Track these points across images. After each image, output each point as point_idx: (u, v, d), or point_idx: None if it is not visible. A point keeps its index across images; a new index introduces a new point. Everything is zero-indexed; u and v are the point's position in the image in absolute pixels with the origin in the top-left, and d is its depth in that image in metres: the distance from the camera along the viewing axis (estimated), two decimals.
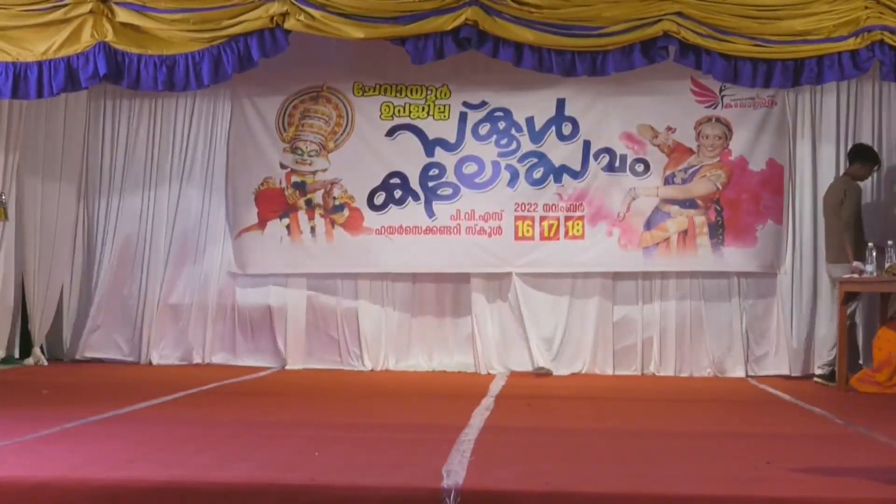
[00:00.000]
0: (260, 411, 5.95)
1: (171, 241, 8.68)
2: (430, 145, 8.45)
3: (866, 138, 8.11)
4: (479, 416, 5.57)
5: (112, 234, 8.74)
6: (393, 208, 8.45)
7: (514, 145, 8.41)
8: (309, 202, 8.52)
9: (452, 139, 8.44)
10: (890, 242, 7.25)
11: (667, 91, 8.24)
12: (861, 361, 7.70)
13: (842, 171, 8.01)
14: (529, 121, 8.40)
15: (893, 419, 5.96)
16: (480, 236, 8.37)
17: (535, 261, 8.35)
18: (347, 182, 8.49)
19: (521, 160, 8.39)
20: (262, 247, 8.54)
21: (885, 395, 7.02)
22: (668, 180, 8.32)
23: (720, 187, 8.29)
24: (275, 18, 6.88)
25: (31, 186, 8.49)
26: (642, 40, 6.80)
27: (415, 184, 8.43)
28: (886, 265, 7.16)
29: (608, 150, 8.34)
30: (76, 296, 8.75)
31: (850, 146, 8.05)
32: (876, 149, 7.98)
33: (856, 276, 7.28)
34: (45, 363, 8.40)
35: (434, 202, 8.41)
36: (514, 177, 8.37)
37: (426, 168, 8.44)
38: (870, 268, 7.21)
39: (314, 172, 8.54)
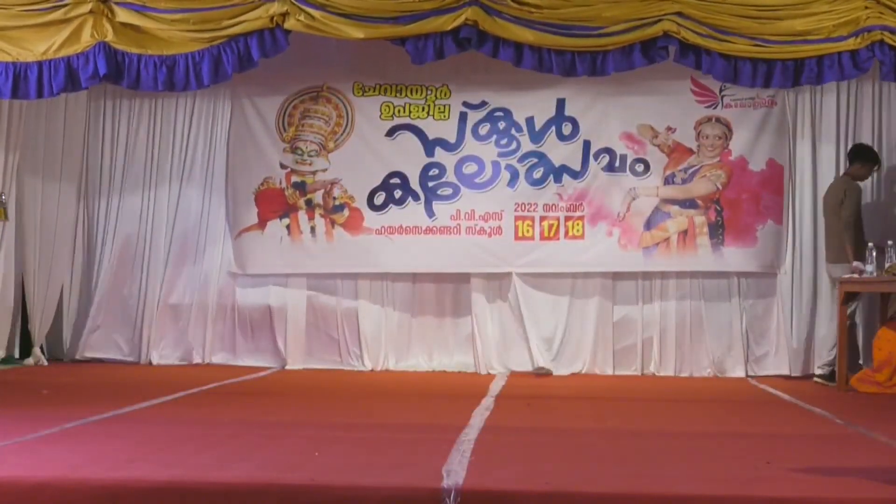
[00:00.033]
0: (260, 411, 5.95)
1: (171, 241, 8.68)
2: (430, 145, 8.45)
3: (866, 138, 8.12)
4: (479, 416, 5.57)
5: (112, 234, 8.74)
6: (393, 208, 8.45)
7: (514, 145, 8.42)
8: (309, 202, 8.52)
9: (452, 139, 8.44)
10: (890, 242, 7.25)
11: (667, 91, 8.24)
12: (861, 361, 7.70)
13: (842, 172, 8.02)
14: (529, 121, 8.40)
15: (893, 419, 5.96)
16: (480, 236, 8.37)
17: (535, 261, 8.35)
18: (347, 182, 8.49)
19: (521, 160, 8.39)
20: (262, 247, 8.54)
21: (885, 395, 7.02)
22: (668, 180, 8.32)
23: (720, 187, 8.29)
24: (275, 18, 6.88)
25: (31, 186, 8.49)
26: (642, 40, 6.80)
27: (415, 184, 8.43)
28: (886, 265, 7.16)
29: (608, 150, 8.34)
30: (76, 296, 8.75)
31: (850, 146, 8.05)
32: (876, 149, 7.98)
33: (856, 276, 7.28)
34: (45, 363, 8.40)
35: (434, 202, 8.41)
36: (514, 177, 8.37)
37: (426, 168, 8.44)
38: (870, 268, 7.22)
39: (314, 172, 8.54)
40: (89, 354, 8.62)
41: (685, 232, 8.28)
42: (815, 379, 7.77)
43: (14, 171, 8.20)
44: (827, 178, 8.17)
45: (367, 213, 8.45)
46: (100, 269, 8.71)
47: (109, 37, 6.93)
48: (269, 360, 8.52)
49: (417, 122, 8.45)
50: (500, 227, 8.35)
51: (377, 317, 8.52)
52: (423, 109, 8.46)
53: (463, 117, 8.43)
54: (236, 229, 8.59)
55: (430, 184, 8.43)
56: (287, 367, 8.42)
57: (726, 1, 6.75)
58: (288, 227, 8.52)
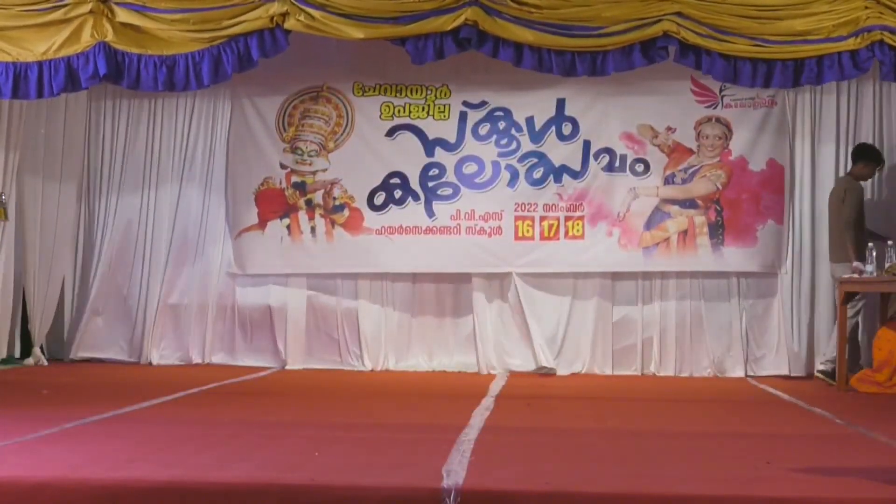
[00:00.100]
0: (260, 411, 5.94)
1: (171, 241, 8.67)
2: (430, 145, 8.45)
3: (866, 138, 8.12)
4: (479, 416, 5.57)
5: (112, 233, 8.74)
6: (393, 208, 8.45)
7: (514, 145, 8.41)
8: (309, 202, 8.52)
9: (452, 139, 8.44)
10: (890, 243, 7.26)
11: (667, 91, 8.24)
12: (861, 362, 7.70)
13: (843, 172, 8.03)
14: (529, 121, 8.40)
15: (893, 419, 5.96)
16: (480, 236, 8.37)
17: (535, 261, 8.35)
18: (347, 182, 8.49)
19: (521, 160, 8.39)
20: (263, 247, 8.54)
21: (885, 395, 7.02)
22: (668, 180, 8.32)
23: (720, 187, 8.29)
24: (275, 18, 6.88)
25: (31, 186, 8.49)
26: (642, 40, 6.80)
27: (415, 184, 8.43)
28: (886, 265, 7.17)
29: (608, 150, 8.34)
30: (76, 296, 8.76)
31: (850, 146, 8.07)
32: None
33: (856, 276, 7.29)
34: (45, 363, 8.40)
35: (434, 202, 8.41)
36: (514, 177, 8.37)
37: (426, 168, 8.44)
38: (870, 268, 7.22)
39: (314, 172, 8.54)
40: (89, 354, 8.62)
41: (685, 232, 8.28)
42: (817, 373, 7.78)
43: (14, 171, 8.19)
44: (827, 177, 8.18)
45: (367, 213, 8.45)
46: (100, 269, 8.68)
47: (109, 37, 6.93)
48: (269, 360, 8.52)
49: (417, 122, 8.45)
50: (500, 227, 8.35)
51: (377, 317, 8.52)
52: (423, 109, 8.46)
53: (463, 117, 8.43)
54: (236, 229, 8.59)
55: (430, 184, 8.43)
56: (287, 368, 8.42)
57: (726, 1, 6.76)
58: (288, 227, 8.52)
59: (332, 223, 8.50)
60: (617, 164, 8.33)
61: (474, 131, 8.44)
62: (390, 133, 8.47)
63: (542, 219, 8.34)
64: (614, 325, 8.38)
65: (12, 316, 8.37)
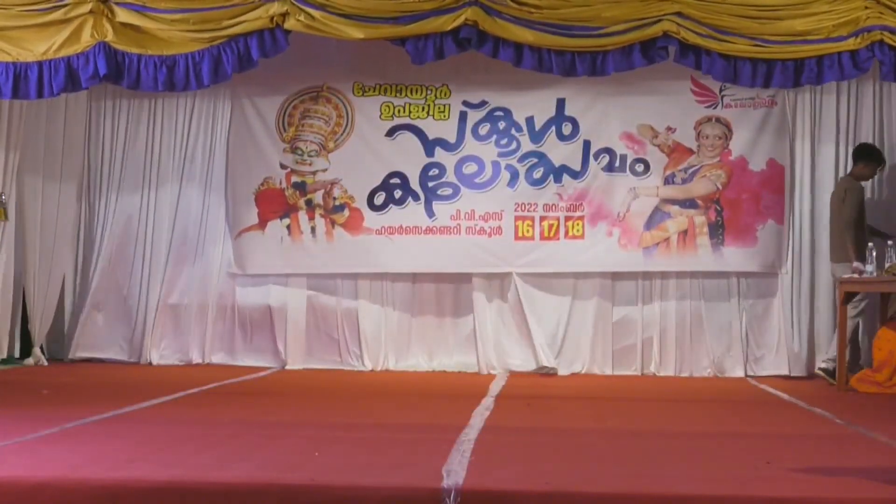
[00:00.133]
0: (260, 411, 5.94)
1: (171, 241, 8.67)
2: (430, 145, 8.45)
3: (866, 138, 8.12)
4: (479, 416, 5.56)
5: (112, 233, 8.74)
6: (393, 208, 8.45)
7: (514, 145, 8.42)
8: (309, 202, 8.52)
9: (452, 139, 8.44)
10: (890, 242, 7.26)
11: (667, 91, 8.24)
12: (861, 362, 7.70)
13: (843, 171, 8.04)
14: (529, 121, 8.41)
15: (893, 419, 5.96)
16: (480, 236, 8.37)
17: (535, 261, 8.35)
18: (347, 182, 8.49)
19: (521, 160, 8.39)
20: (263, 247, 8.54)
21: (885, 395, 7.02)
22: (668, 180, 8.33)
23: (720, 187, 8.29)
24: (275, 19, 6.88)
25: (31, 186, 8.49)
26: (642, 40, 6.81)
27: (415, 184, 8.43)
28: (886, 265, 7.17)
29: (608, 150, 8.34)
30: (76, 296, 8.76)
31: (850, 146, 8.07)
32: None
33: (856, 276, 7.29)
34: (45, 363, 8.40)
35: (434, 202, 8.41)
36: (514, 177, 8.37)
37: (426, 168, 8.44)
38: (870, 268, 7.22)
39: (314, 172, 8.54)
40: (89, 354, 8.62)
41: (685, 232, 8.28)
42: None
43: (14, 171, 8.20)
44: (827, 178, 8.19)
45: (367, 213, 8.46)
46: (100, 269, 8.68)
47: (109, 37, 6.93)
48: (269, 360, 8.52)
49: (417, 122, 8.45)
50: (500, 227, 8.35)
51: (377, 317, 8.52)
52: (423, 109, 8.46)
53: (463, 117, 8.43)
54: (236, 229, 8.59)
55: (430, 184, 8.43)
56: (287, 367, 8.42)
57: (726, 1, 6.76)
58: (288, 227, 8.52)
59: (332, 223, 8.50)
60: (617, 164, 8.33)
61: (474, 131, 8.44)
62: (390, 133, 8.47)
63: (542, 219, 8.34)
64: (614, 325, 8.38)
65: (12, 316, 8.37)
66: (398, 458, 4.32)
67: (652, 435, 5.23)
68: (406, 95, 8.46)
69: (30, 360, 8.33)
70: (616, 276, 8.40)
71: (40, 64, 6.98)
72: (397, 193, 8.45)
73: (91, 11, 6.93)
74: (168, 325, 8.66)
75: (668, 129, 8.31)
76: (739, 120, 8.27)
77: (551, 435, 5.23)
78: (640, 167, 8.33)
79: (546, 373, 8.16)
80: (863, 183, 7.80)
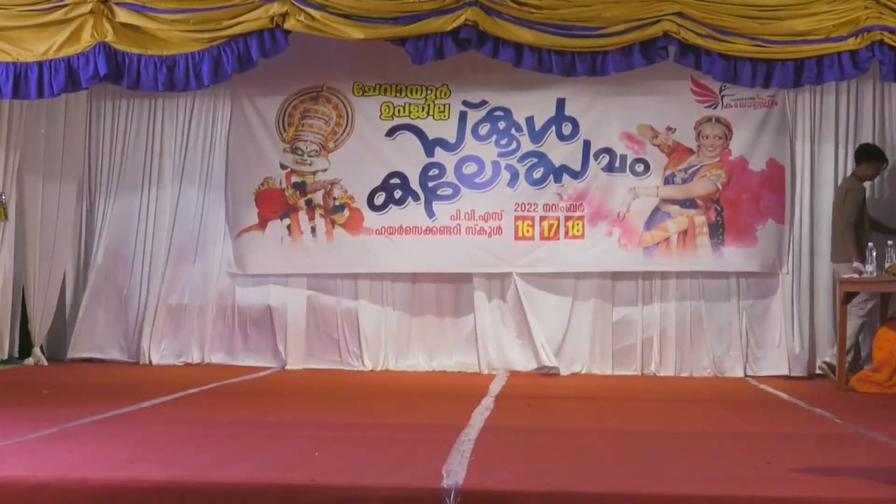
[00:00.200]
0: (260, 411, 5.94)
1: (170, 241, 8.67)
2: (430, 145, 8.45)
3: (867, 138, 8.12)
4: (479, 416, 5.56)
5: (112, 233, 8.74)
6: (393, 208, 8.45)
7: (514, 145, 8.42)
8: (309, 202, 8.52)
9: (452, 139, 8.44)
10: (890, 243, 7.26)
11: (667, 91, 8.24)
12: (861, 362, 7.70)
13: (843, 171, 8.04)
14: (529, 121, 8.41)
15: (893, 419, 5.96)
16: (480, 236, 8.37)
17: (535, 261, 8.35)
18: (347, 182, 8.49)
19: (521, 160, 8.39)
20: (263, 247, 8.54)
21: (885, 395, 7.02)
22: (668, 180, 8.32)
23: (720, 187, 8.29)
24: (275, 19, 6.89)
25: (31, 186, 8.49)
26: (642, 41, 6.81)
27: (415, 184, 8.43)
28: (886, 265, 7.17)
29: (608, 150, 8.34)
30: (76, 296, 8.75)
31: (850, 146, 8.08)
32: None
33: (856, 276, 7.29)
34: (45, 363, 8.39)
35: (434, 202, 8.41)
36: (514, 177, 8.37)
37: (426, 168, 8.44)
38: (870, 268, 7.22)
39: (314, 172, 8.54)
40: (89, 354, 8.62)
41: (685, 232, 8.28)
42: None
43: (14, 171, 8.20)
44: (827, 178, 8.19)
45: (367, 214, 8.46)
46: (100, 269, 8.67)
47: (109, 37, 6.93)
48: (269, 360, 8.52)
49: (417, 122, 8.45)
50: (500, 227, 8.35)
51: (377, 317, 8.52)
52: (423, 109, 8.46)
53: (463, 117, 8.43)
54: (236, 229, 8.59)
55: (430, 184, 8.43)
56: (287, 367, 8.42)
57: (726, 1, 6.76)
58: (288, 227, 8.52)
59: (333, 223, 8.50)
60: (617, 164, 8.33)
61: (474, 131, 8.44)
62: (390, 133, 8.47)
63: (542, 219, 8.34)
64: (614, 325, 8.38)
65: (12, 316, 8.37)
66: (398, 458, 4.32)
67: (652, 435, 5.23)
68: (406, 95, 8.46)
69: (30, 360, 8.33)
70: (616, 276, 8.40)
71: (40, 64, 6.98)
72: (397, 193, 8.45)
73: (91, 11, 6.94)
74: (168, 325, 8.65)
75: (668, 129, 8.31)
76: (739, 120, 8.27)
77: (551, 435, 5.23)
78: (640, 167, 8.33)
79: (546, 373, 8.16)
80: (865, 183, 7.80)
